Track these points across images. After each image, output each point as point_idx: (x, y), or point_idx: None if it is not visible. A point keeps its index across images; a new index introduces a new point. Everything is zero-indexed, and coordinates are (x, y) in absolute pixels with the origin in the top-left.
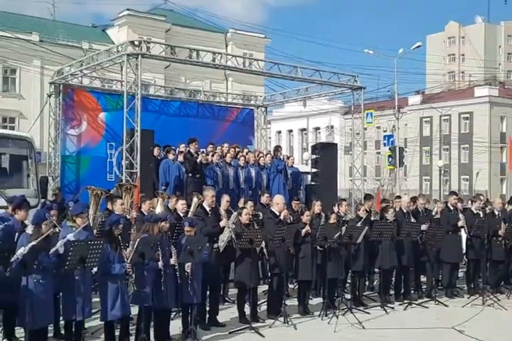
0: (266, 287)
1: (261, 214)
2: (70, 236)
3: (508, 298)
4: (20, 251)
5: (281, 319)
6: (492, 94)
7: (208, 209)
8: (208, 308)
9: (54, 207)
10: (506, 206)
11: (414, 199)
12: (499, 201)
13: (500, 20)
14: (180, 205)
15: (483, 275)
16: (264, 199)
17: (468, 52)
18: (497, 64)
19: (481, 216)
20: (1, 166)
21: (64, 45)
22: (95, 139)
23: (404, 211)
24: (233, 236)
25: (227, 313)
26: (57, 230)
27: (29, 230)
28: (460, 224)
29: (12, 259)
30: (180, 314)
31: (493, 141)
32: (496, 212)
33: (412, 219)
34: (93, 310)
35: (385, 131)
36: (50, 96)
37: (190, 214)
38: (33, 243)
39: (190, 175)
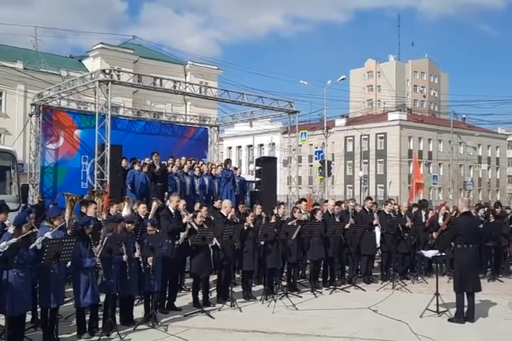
0: (216, 276)
1: (212, 217)
2: (48, 235)
3: (413, 283)
4: (2, 244)
5: (229, 303)
6: (402, 118)
7: (172, 211)
8: (166, 295)
9: (33, 210)
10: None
11: (339, 203)
12: (405, 204)
13: (409, 59)
14: (142, 208)
15: (394, 264)
16: (217, 204)
17: (383, 84)
18: (406, 94)
19: (392, 216)
20: None
21: (45, 73)
22: (71, 152)
23: (330, 213)
24: (195, 227)
25: (183, 299)
26: (34, 231)
27: (10, 230)
28: (374, 222)
29: None
30: (143, 300)
31: (402, 157)
32: (403, 213)
33: (337, 219)
34: (67, 299)
35: (316, 148)
36: (31, 115)
37: (150, 216)
38: (14, 240)
39: (153, 183)
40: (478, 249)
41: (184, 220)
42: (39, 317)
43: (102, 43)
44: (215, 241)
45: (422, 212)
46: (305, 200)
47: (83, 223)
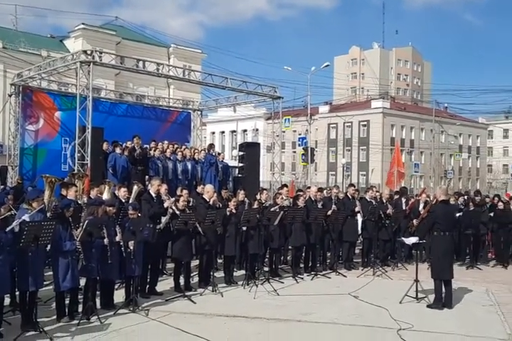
0: (198, 261)
1: (191, 199)
2: (26, 217)
3: (393, 269)
4: None
5: (210, 288)
6: (385, 106)
7: (153, 195)
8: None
9: (11, 192)
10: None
11: (321, 190)
12: (387, 192)
13: (393, 47)
14: (122, 192)
15: (374, 251)
16: (199, 189)
17: (367, 71)
18: (389, 82)
19: (373, 203)
20: None
21: (25, 52)
22: (51, 134)
23: (313, 199)
24: (177, 212)
25: (165, 284)
26: (12, 213)
27: None
28: (357, 209)
29: None
30: (124, 285)
31: (385, 144)
32: (384, 200)
33: (320, 206)
34: (46, 282)
35: (299, 134)
36: (10, 95)
37: (131, 200)
38: None
39: (133, 166)
40: (453, 237)
41: (166, 205)
42: (18, 301)
43: (83, 24)
44: (197, 226)
45: (402, 199)
46: (286, 186)
47: (63, 206)
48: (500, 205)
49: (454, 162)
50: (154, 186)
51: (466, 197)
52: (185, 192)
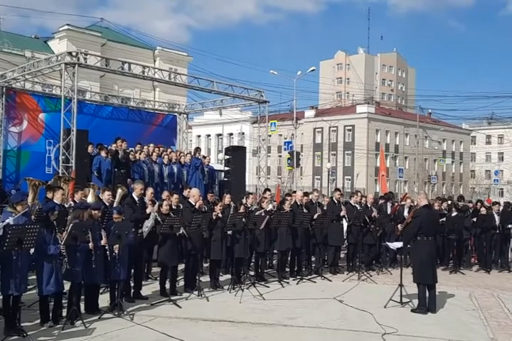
0: (183, 265)
1: (181, 205)
2: (10, 220)
3: (378, 274)
4: None
5: (196, 292)
6: (370, 111)
7: (136, 199)
8: (132, 284)
9: None
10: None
11: (306, 194)
12: (371, 196)
13: (378, 52)
14: (106, 196)
15: (359, 256)
16: (186, 193)
17: (352, 76)
18: (374, 87)
19: (358, 208)
20: None
21: (8, 53)
22: (35, 136)
23: (299, 203)
24: (158, 218)
25: (150, 288)
26: None
27: None
28: (342, 214)
29: None
30: (109, 289)
31: (370, 149)
32: (369, 205)
33: (305, 210)
34: (30, 286)
35: (285, 138)
36: None
37: (115, 204)
38: None
39: (116, 169)
40: (436, 241)
41: (148, 211)
42: (1, 305)
43: (68, 25)
44: (182, 230)
45: (388, 204)
46: (269, 190)
47: (47, 209)
48: (483, 210)
49: (437, 167)
50: (137, 190)
51: (449, 202)
52: (175, 196)
